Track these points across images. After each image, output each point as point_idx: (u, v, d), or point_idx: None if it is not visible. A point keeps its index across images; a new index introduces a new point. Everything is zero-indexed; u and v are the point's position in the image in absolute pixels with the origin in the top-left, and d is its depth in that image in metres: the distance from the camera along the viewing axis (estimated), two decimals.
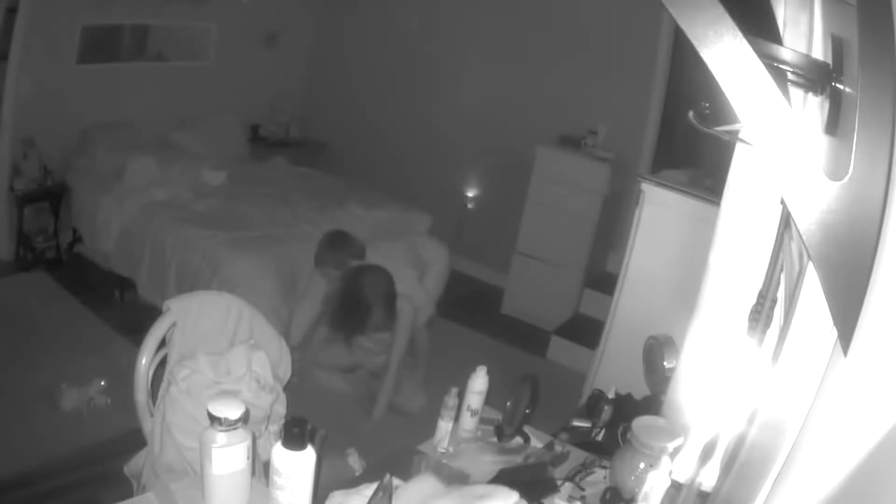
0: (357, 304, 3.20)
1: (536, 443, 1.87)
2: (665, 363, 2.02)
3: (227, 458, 1.26)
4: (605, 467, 1.73)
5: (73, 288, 4.06)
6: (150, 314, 1.99)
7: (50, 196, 4.28)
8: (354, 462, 2.75)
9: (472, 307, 4.45)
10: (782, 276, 1.22)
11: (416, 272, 3.59)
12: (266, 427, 1.87)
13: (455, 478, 1.55)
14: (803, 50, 0.94)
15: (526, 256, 4.48)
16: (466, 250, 4.89)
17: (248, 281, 3.46)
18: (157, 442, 1.76)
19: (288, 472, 1.22)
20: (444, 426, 1.82)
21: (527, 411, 1.84)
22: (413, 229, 4.36)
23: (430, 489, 1.38)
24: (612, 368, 2.83)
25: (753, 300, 1.33)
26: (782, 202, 1.16)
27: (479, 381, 1.84)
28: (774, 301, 1.24)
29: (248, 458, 1.28)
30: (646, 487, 1.45)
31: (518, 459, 1.74)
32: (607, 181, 4.21)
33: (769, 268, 1.33)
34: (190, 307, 1.89)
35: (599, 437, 2.00)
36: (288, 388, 2.00)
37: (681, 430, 1.57)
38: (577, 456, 1.81)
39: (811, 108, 0.95)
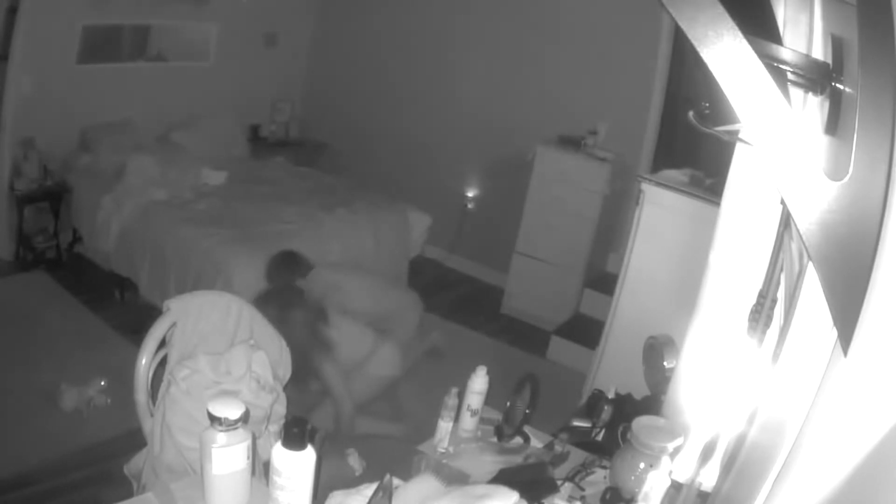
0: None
1: (536, 443, 1.87)
2: (665, 363, 2.02)
3: (227, 458, 1.26)
4: (605, 467, 1.73)
5: (73, 288, 4.06)
6: (150, 314, 1.99)
7: (50, 196, 4.28)
8: (354, 462, 2.76)
9: (472, 307, 4.45)
10: (782, 276, 1.22)
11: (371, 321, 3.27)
12: (266, 427, 1.87)
13: (455, 478, 1.55)
14: (803, 50, 0.94)
15: (526, 256, 4.48)
16: (466, 250, 4.89)
17: (247, 280, 3.46)
18: (157, 442, 1.76)
19: (288, 472, 1.22)
20: (444, 426, 1.82)
21: (527, 411, 1.84)
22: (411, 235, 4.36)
23: (430, 489, 1.38)
24: (612, 368, 2.83)
25: (753, 300, 1.33)
26: (782, 202, 1.16)
27: (479, 381, 1.85)
28: (774, 301, 1.24)
29: (248, 458, 1.28)
30: (646, 487, 1.45)
31: (518, 459, 1.75)
32: (607, 181, 4.20)
33: (769, 268, 1.33)
34: (190, 307, 1.89)
35: (599, 437, 2.00)
36: (288, 388, 2.00)
37: (681, 430, 1.57)
38: (577, 456, 1.81)
39: (811, 108, 0.95)
